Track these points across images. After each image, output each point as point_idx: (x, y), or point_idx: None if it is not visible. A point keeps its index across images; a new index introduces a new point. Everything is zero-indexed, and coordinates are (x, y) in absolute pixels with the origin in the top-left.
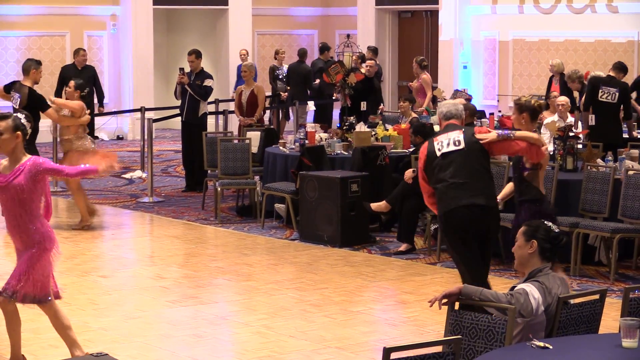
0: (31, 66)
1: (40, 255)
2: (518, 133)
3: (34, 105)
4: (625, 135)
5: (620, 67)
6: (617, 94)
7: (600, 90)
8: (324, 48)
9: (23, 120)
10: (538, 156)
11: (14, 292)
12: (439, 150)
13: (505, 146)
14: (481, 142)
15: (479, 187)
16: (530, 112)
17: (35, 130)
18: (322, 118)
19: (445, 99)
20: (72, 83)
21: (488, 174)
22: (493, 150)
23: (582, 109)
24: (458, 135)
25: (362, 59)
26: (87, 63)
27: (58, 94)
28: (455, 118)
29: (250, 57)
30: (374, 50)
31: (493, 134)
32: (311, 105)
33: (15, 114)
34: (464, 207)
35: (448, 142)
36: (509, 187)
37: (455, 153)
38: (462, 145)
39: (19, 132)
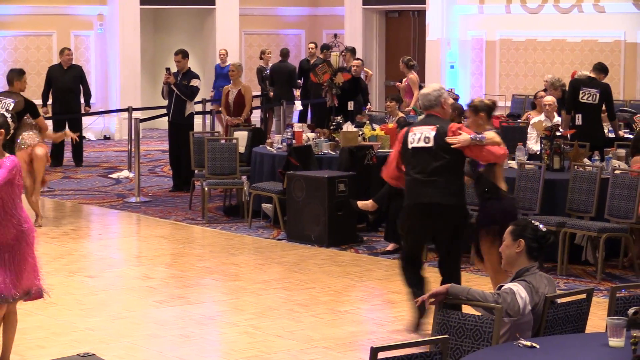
0: (14, 77)
1: (26, 251)
2: (488, 136)
3: (29, 111)
4: (611, 135)
5: (601, 68)
6: (598, 94)
7: (580, 92)
8: (324, 47)
9: (9, 120)
10: (502, 158)
11: (16, 295)
12: (411, 142)
13: (477, 151)
14: (453, 146)
15: (439, 185)
16: (486, 111)
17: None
18: (318, 119)
19: None
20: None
21: (453, 172)
22: (465, 153)
23: (564, 112)
24: (430, 132)
25: (351, 52)
26: (75, 63)
27: (45, 94)
28: (434, 108)
29: (237, 57)
30: (352, 51)
31: (466, 138)
32: (298, 105)
33: (2, 112)
34: (424, 205)
35: (420, 137)
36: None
37: (423, 150)
38: (431, 144)
39: (2, 130)
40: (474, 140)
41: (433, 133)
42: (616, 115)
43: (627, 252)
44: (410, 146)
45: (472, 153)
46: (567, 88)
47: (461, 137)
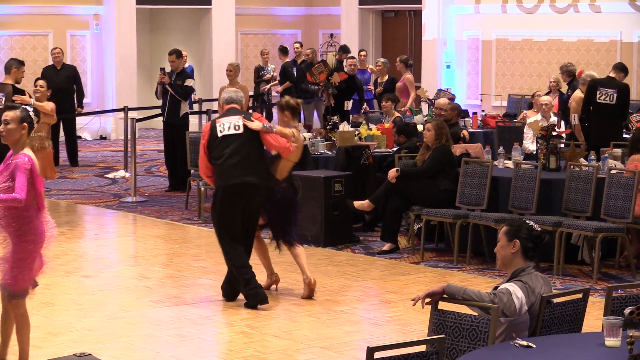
0: (12, 65)
1: (29, 248)
2: (278, 128)
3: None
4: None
5: (621, 68)
6: (615, 95)
7: (597, 92)
8: (342, 49)
9: (31, 113)
10: (287, 153)
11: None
12: (221, 132)
13: (267, 139)
14: (247, 126)
15: (251, 167)
16: (290, 110)
17: None
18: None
19: (429, 99)
20: (41, 82)
21: (261, 156)
22: (263, 141)
23: (579, 114)
24: (238, 120)
25: (344, 49)
26: (70, 63)
27: None
28: (235, 103)
29: (234, 57)
30: (343, 48)
31: (258, 125)
32: None
33: (24, 106)
34: (237, 184)
35: (229, 125)
36: None
37: (234, 136)
38: (241, 130)
39: (25, 124)
40: (264, 128)
41: (241, 121)
42: (626, 118)
43: (623, 251)
44: (220, 134)
45: (265, 142)
46: (576, 75)
47: (254, 123)
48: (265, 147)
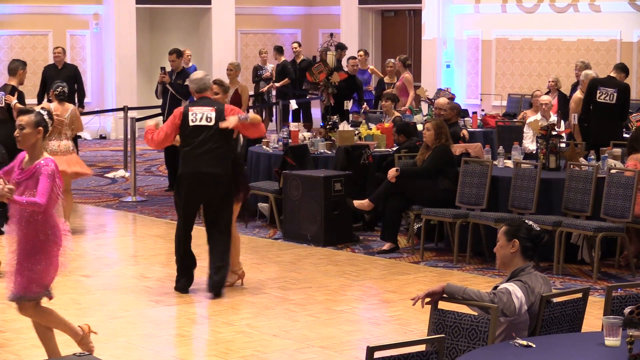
0: (19, 67)
1: (49, 257)
2: (251, 116)
3: (20, 101)
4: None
5: (622, 68)
6: (616, 94)
7: (597, 91)
8: (338, 47)
9: (45, 117)
10: (259, 133)
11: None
12: (192, 121)
13: (246, 128)
14: (225, 126)
15: (215, 158)
16: (222, 89)
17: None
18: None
19: (429, 98)
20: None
21: (229, 148)
22: (242, 131)
23: (580, 113)
24: (210, 112)
25: (341, 47)
26: (70, 62)
27: (41, 94)
28: (206, 91)
29: (233, 56)
30: (340, 46)
31: (235, 120)
32: (293, 104)
33: (37, 110)
34: (198, 173)
35: (202, 116)
36: None
37: (205, 128)
38: (212, 123)
39: (40, 128)
40: (241, 120)
41: (214, 114)
42: (626, 118)
43: (623, 251)
44: (191, 124)
45: (243, 130)
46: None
47: (230, 119)
48: (246, 135)
